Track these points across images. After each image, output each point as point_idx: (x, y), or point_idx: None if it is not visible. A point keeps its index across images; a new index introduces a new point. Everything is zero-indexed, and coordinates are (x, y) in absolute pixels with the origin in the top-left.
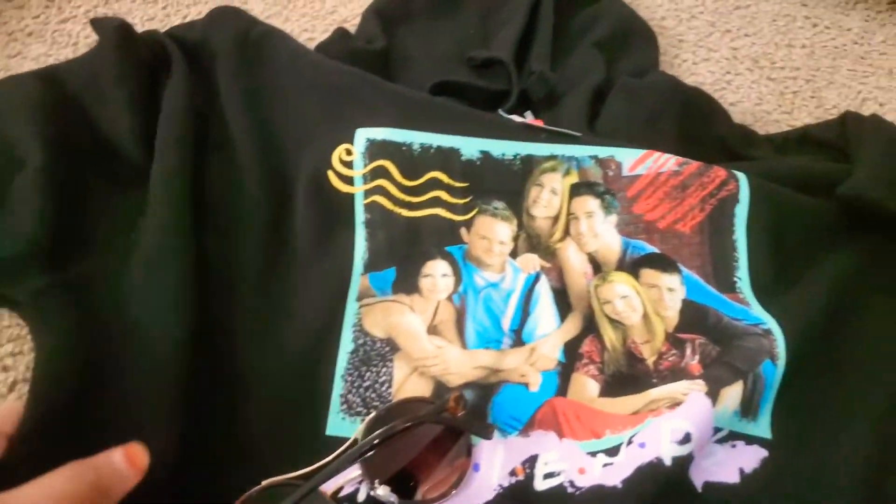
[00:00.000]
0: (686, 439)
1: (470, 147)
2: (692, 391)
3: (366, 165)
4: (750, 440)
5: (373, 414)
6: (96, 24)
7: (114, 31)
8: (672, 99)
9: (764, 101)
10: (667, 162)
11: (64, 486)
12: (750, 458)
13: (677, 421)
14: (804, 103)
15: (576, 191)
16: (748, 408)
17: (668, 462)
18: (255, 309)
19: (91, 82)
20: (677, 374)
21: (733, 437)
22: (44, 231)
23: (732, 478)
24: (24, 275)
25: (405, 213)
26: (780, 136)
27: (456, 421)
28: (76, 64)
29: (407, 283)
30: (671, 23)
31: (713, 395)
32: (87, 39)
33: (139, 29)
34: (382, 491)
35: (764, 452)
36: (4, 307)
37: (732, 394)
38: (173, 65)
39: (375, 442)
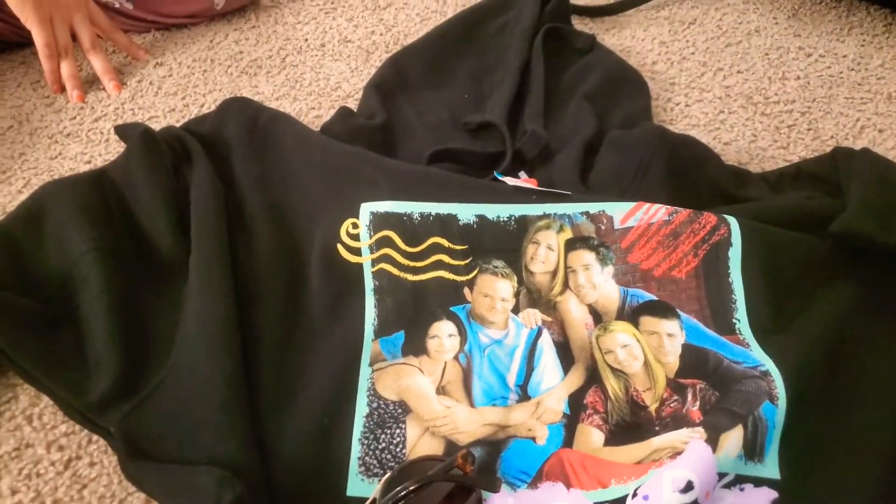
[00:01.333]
0: (688, 487)
1: (466, 212)
2: (692, 439)
3: (371, 236)
4: (759, 482)
5: (388, 475)
6: (120, 130)
7: (138, 138)
8: (660, 148)
9: (759, 138)
10: (657, 212)
11: None
12: (760, 499)
13: (678, 471)
14: (800, 136)
15: (571, 245)
16: (752, 450)
17: None
18: (276, 377)
19: (126, 186)
20: (678, 421)
21: (741, 480)
22: (121, 359)
23: None
24: (111, 408)
25: (410, 277)
26: (774, 174)
27: (465, 478)
28: (112, 168)
29: (415, 346)
30: (662, 66)
31: (713, 441)
32: (117, 136)
33: (161, 120)
34: None
35: (774, 493)
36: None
37: (732, 439)
38: (194, 157)
39: (391, 502)
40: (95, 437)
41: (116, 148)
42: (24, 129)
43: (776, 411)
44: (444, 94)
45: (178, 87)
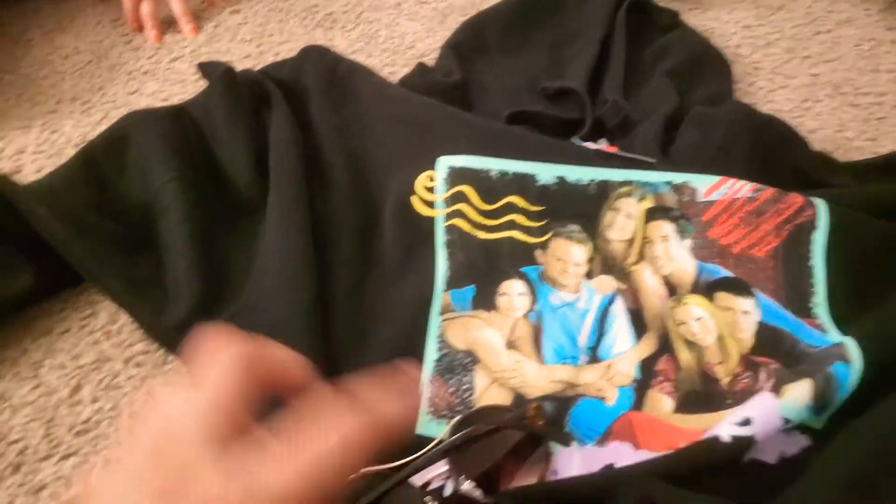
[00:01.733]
0: (745, 422)
1: (546, 173)
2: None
3: (447, 190)
4: (803, 429)
5: (458, 417)
6: (203, 67)
7: (220, 76)
8: (745, 127)
9: (846, 128)
10: (742, 188)
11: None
12: (792, 444)
13: (738, 411)
14: (890, 129)
15: (651, 215)
16: (822, 404)
17: (725, 438)
18: (348, 319)
19: (206, 123)
20: (750, 396)
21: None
22: (200, 287)
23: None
24: (187, 332)
25: (482, 235)
26: (861, 164)
27: (536, 429)
28: (192, 106)
29: (485, 301)
30: (746, 50)
31: (776, 390)
32: (193, 77)
33: (236, 65)
34: (467, 486)
35: (808, 442)
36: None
37: (799, 388)
38: (273, 100)
39: (461, 441)
40: (170, 358)
41: (192, 89)
42: (103, 65)
43: (849, 372)
44: (520, 59)
45: (254, 34)
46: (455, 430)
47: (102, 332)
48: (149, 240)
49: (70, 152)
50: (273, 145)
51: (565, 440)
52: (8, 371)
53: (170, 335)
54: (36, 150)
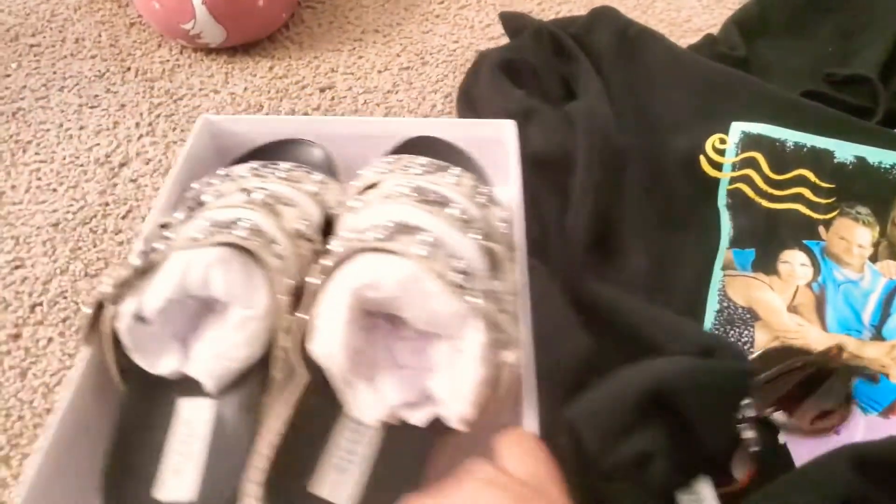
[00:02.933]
0: None
1: (844, 151)
2: None
3: (737, 154)
4: None
5: (766, 348)
6: (504, 17)
7: (533, 33)
8: None
9: None
10: None
11: None
12: None
13: None
14: None
15: None
16: None
17: None
18: (638, 261)
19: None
20: None
21: None
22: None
23: None
24: None
25: (765, 203)
26: None
27: (845, 364)
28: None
29: (766, 265)
30: None
31: None
32: (480, 23)
33: None
34: (777, 415)
35: None
36: None
37: None
38: (573, 53)
39: (776, 374)
40: None
41: (479, 34)
42: (400, 4)
43: None
44: (806, 43)
45: None
46: (758, 363)
47: None
48: None
49: (374, 76)
50: (585, 97)
51: (873, 378)
52: None
53: None
54: (345, 70)
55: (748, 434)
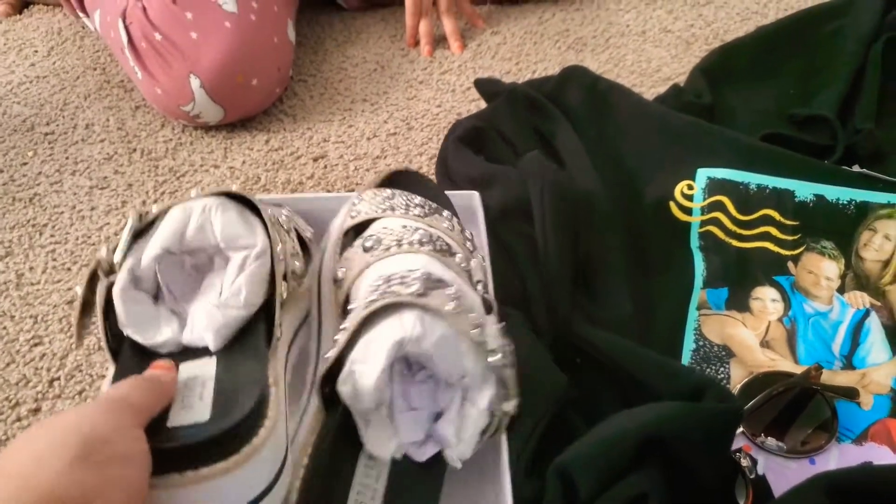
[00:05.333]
0: None
1: (804, 189)
2: None
3: (705, 199)
4: None
5: (744, 380)
6: (479, 83)
7: (506, 95)
8: None
9: None
10: None
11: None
12: None
13: None
14: None
15: None
16: None
17: None
18: (623, 305)
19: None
20: None
21: None
22: None
23: None
24: None
25: (735, 243)
26: None
27: (825, 386)
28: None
29: (739, 303)
30: None
31: None
32: (461, 87)
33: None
34: (769, 442)
35: None
36: None
37: None
38: (550, 112)
39: (763, 401)
40: None
41: (461, 98)
42: (386, 73)
43: None
44: (768, 87)
45: (512, 53)
46: (744, 394)
47: None
48: None
49: (363, 143)
50: (563, 151)
51: (853, 397)
52: None
53: None
54: (336, 139)
55: (745, 462)
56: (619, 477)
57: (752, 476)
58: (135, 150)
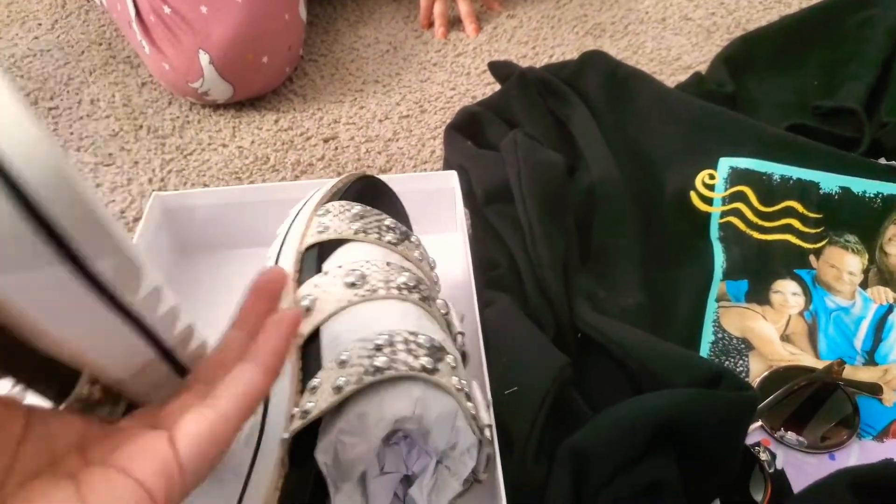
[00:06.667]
0: None
1: (830, 182)
2: None
3: (726, 189)
4: None
5: (764, 373)
6: (493, 66)
7: (517, 77)
8: None
9: None
10: None
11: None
12: None
13: None
14: None
15: None
16: None
17: None
18: (638, 296)
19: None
20: None
21: None
22: None
23: None
24: None
25: (756, 235)
26: None
27: (848, 381)
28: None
29: (759, 296)
30: None
31: None
32: (476, 70)
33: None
34: (789, 436)
35: None
36: None
37: None
38: (565, 95)
39: (783, 396)
40: None
41: (476, 81)
42: (399, 55)
43: None
44: (792, 77)
45: (529, 37)
46: (764, 387)
47: None
48: None
49: (375, 125)
50: (579, 136)
51: (876, 392)
52: None
53: None
54: (347, 121)
55: (764, 456)
56: (633, 463)
57: (771, 470)
58: (141, 126)
